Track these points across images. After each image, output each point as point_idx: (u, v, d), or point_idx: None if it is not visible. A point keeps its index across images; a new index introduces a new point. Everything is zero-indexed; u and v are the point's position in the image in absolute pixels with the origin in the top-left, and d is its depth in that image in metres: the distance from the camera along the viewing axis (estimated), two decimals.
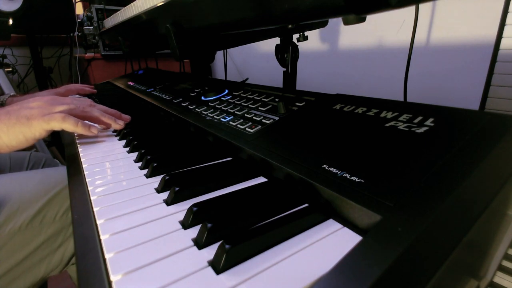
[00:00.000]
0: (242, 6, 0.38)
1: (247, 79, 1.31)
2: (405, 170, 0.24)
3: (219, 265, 0.20)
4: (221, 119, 0.47)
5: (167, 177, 0.31)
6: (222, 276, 0.19)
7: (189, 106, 0.58)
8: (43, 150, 1.35)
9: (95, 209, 0.28)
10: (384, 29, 0.94)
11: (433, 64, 0.84)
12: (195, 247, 0.22)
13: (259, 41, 0.71)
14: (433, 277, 0.17)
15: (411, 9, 0.62)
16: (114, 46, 1.41)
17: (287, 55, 0.58)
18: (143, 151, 0.40)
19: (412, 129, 0.29)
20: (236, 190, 0.30)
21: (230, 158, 0.39)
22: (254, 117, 0.44)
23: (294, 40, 0.57)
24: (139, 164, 0.39)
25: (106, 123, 0.51)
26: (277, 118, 0.41)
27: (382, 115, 0.34)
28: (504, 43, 0.52)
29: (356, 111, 0.36)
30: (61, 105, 0.46)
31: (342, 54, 1.10)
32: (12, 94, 0.80)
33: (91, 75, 1.46)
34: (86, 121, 0.47)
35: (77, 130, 0.45)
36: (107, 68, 1.47)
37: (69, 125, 0.44)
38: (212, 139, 0.46)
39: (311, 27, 0.59)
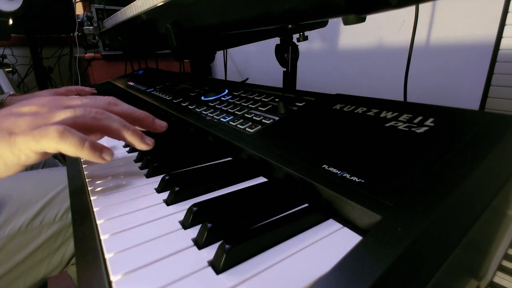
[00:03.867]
0: (242, 6, 0.38)
1: (247, 79, 1.31)
2: (405, 170, 0.24)
3: (219, 265, 0.20)
4: (221, 119, 0.47)
5: (167, 177, 0.31)
6: (222, 276, 0.19)
7: (189, 106, 0.58)
8: None
9: (95, 209, 0.28)
10: (384, 29, 0.94)
11: (433, 64, 0.84)
12: (195, 247, 0.22)
13: (259, 41, 0.72)
14: (433, 277, 0.17)
15: (411, 9, 0.62)
16: (114, 46, 1.41)
17: (287, 55, 0.58)
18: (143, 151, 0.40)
19: (412, 129, 0.29)
20: (236, 190, 0.30)
21: (230, 158, 0.39)
22: (254, 117, 0.44)
23: (294, 40, 0.57)
24: (139, 164, 0.39)
25: (128, 141, 0.33)
26: (277, 118, 0.41)
27: (382, 115, 0.34)
28: (504, 43, 0.52)
29: (356, 111, 0.36)
30: (64, 109, 0.30)
31: (342, 54, 1.10)
32: (11, 93, 0.80)
33: (91, 75, 1.46)
34: (96, 140, 0.30)
35: (81, 154, 0.28)
36: (107, 68, 1.47)
37: (69, 147, 0.27)
38: (212, 139, 0.46)
39: (311, 27, 0.59)
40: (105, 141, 0.49)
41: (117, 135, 0.32)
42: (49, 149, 0.27)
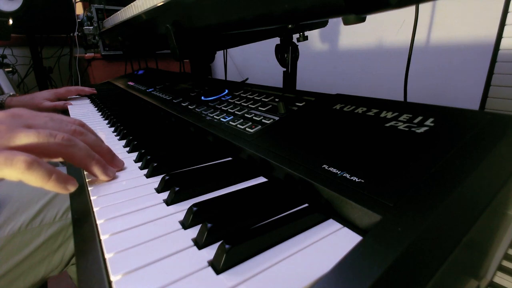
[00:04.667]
0: (242, 6, 0.38)
1: (247, 79, 1.31)
2: (405, 170, 0.24)
3: (219, 265, 0.20)
4: (221, 119, 0.47)
5: (167, 177, 0.31)
6: (222, 276, 0.19)
7: (189, 106, 0.58)
8: None
9: (95, 209, 0.28)
10: (384, 29, 0.94)
11: (433, 64, 0.85)
12: (195, 247, 0.22)
13: (259, 41, 0.72)
14: (433, 277, 0.17)
15: (411, 9, 0.62)
16: (114, 46, 1.41)
17: (287, 55, 0.58)
18: (143, 151, 0.40)
19: (412, 129, 0.29)
20: (236, 190, 0.30)
21: (230, 158, 0.39)
22: (254, 117, 0.44)
23: (294, 40, 0.57)
24: (139, 164, 0.39)
25: (90, 172, 0.32)
26: (277, 118, 0.41)
27: (382, 115, 0.34)
28: (504, 43, 0.52)
29: (356, 111, 0.36)
30: (25, 129, 0.27)
31: (342, 54, 1.10)
32: (11, 93, 0.80)
33: (91, 75, 1.46)
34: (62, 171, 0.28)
35: (45, 186, 0.26)
36: (107, 68, 1.47)
37: (34, 179, 0.25)
38: (212, 139, 0.46)
39: (311, 27, 0.59)
40: (104, 136, 0.49)
41: (80, 164, 0.31)
42: (10, 177, 0.25)
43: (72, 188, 0.28)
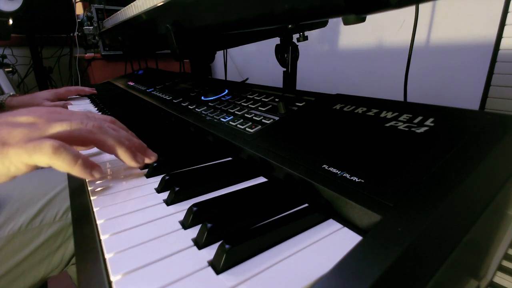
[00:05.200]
0: (242, 6, 0.38)
1: (247, 79, 1.31)
2: (405, 170, 0.24)
3: (219, 265, 0.20)
4: (221, 119, 0.47)
5: (167, 177, 0.31)
6: (222, 276, 0.19)
7: (189, 106, 0.58)
8: None
9: (95, 209, 0.28)
10: (384, 29, 0.94)
11: (433, 64, 0.85)
12: (195, 247, 0.22)
13: (259, 41, 0.72)
14: (433, 277, 0.17)
15: (411, 9, 0.62)
16: (114, 46, 1.41)
17: (287, 55, 0.58)
18: None
19: (412, 129, 0.29)
20: (236, 190, 0.30)
21: (230, 158, 0.39)
22: (254, 117, 0.44)
23: (294, 40, 0.57)
24: None
25: (120, 158, 0.33)
26: (277, 118, 0.41)
27: (382, 115, 0.34)
28: (504, 43, 0.52)
29: (356, 111, 0.36)
30: (60, 123, 0.30)
31: (342, 54, 1.10)
32: (12, 94, 0.80)
33: (91, 75, 1.46)
34: (89, 158, 0.30)
35: (72, 171, 0.28)
36: (107, 68, 1.47)
37: (61, 163, 0.27)
38: (212, 139, 0.46)
39: (311, 27, 0.59)
40: None
41: (110, 151, 0.32)
42: (41, 163, 0.27)
43: (97, 175, 0.29)
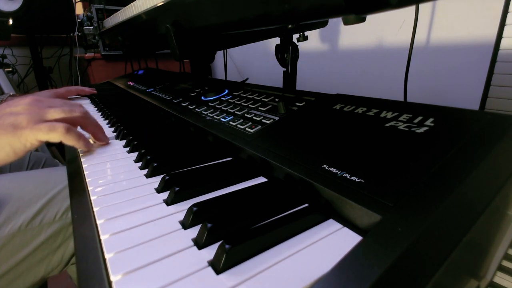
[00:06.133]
0: (242, 6, 0.38)
1: (247, 79, 1.31)
2: (405, 170, 0.24)
3: (219, 265, 0.20)
4: (221, 119, 0.47)
5: (167, 177, 0.31)
6: (222, 276, 0.19)
7: (189, 106, 0.58)
8: (43, 150, 1.35)
9: (95, 209, 0.28)
10: (384, 29, 0.94)
11: (433, 64, 0.85)
12: (195, 247, 0.22)
13: (259, 41, 0.72)
14: (433, 277, 0.17)
15: (411, 9, 0.62)
16: (114, 46, 1.41)
17: (287, 55, 0.58)
18: (143, 151, 0.40)
19: (412, 129, 0.29)
20: (236, 190, 0.30)
21: (230, 158, 0.39)
22: (254, 117, 0.44)
23: (294, 40, 0.57)
24: (139, 164, 0.39)
25: (96, 136, 0.46)
26: (277, 118, 0.41)
27: (382, 115, 0.34)
28: (504, 43, 0.52)
29: (356, 111, 0.36)
30: (52, 108, 0.39)
31: (342, 54, 1.10)
32: (11, 93, 0.80)
33: (91, 75, 1.46)
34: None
35: (77, 145, 0.39)
36: (107, 68, 1.47)
37: (70, 140, 0.38)
38: (212, 139, 0.46)
39: (311, 27, 0.59)
40: (102, 148, 0.49)
41: (90, 131, 0.45)
42: (54, 140, 0.37)
43: (92, 147, 0.44)
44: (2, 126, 0.35)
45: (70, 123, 0.39)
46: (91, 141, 0.47)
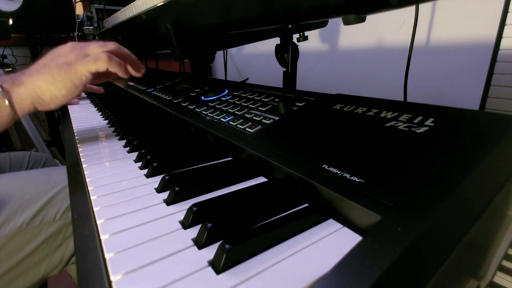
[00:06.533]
0: (242, 6, 0.38)
1: (247, 79, 1.31)
2: (405, 170, 0.24)
3: (219, 265, 0.20)
4: (221, 119, 0.47)
5: (167, 177, 0.31)
6: (222, 276, 0.19)
7: (189, 106, 0.58)
8: (43, 150, 1.35)
9: (95, 209, 0.28)
10: (384, 29, 0.94)
11: (433, 64, 0.84)
12: (195, 247, 0.22)
13: (259, 41, 0.71)
14: (433, 277, 0.17)
15: (411, 9, 0.62)
16: None
17: (287, 55, 0.58)
18: (143, 151, 0.40)
19: (412, 129, 0.29)
20: (236, 190, 0.30)
21: (230, 158, 0.39)
22: (254, 117, 0.44)
23: (294, 40, 0.57)
24: (139, 164, 0.39)
25: (128, 70, 0.48)
26: (277, 118, 0.41)
27: (382, 115, 0.34)
28: (504, 43, 0.52)
29: (356, 111, 0.36)
30: (93, 47, 0.44)
31: (342, 54, 1.10)
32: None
33: None
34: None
35: (120, 71, 0.44)
36: None
37: (114, 67, 0.43)
38: (212, 139, 0.46)
39: (311, 27, 0.59)
40: (102, 148, 0.49)
41: (124, 60, 0.46)
42: (101, 69, 0.42)
43: (142, 71, 0.50)
44: (58, 65, 0.40)
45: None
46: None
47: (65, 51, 0.44)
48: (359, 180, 0.25)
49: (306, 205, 0.26)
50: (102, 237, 0.24)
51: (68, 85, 0.40)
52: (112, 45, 0.46)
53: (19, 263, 0.44)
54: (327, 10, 0.28)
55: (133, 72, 0.48)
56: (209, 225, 0.23)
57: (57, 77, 0.40)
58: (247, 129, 0.41)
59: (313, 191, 0.27)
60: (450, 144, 0.26)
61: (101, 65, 0.41)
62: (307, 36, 0.55)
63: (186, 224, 0.25)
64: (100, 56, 0.41)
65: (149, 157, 0.38)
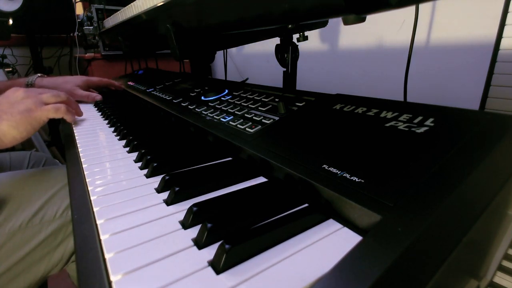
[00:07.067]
0: (242, 6, 0.38)
1: (247, 79, 1.31)
2: (405, 170, 0.24)
3: (219, 265, 0.20)
4: (221, 119, 0.47)
5: (167, 177, 0.31)
6: (222, 276, 0.19)
7: (189, 106, 0.58)
8: (43, 150, 1.35)
9: (95, 209, 0.28)
10: (384, 29, 0.94)
11: (433, 64, 0.84)
12: (195, 247, 0.22)
13: (259, 41, 0.71)
14: (433, 277, 0.17)
15: (411, 9, 0.62)
16: (114, 46, 1.40)
17: (287, 55, 0.58)
18: (143, 151, 0.40)
19: (412, 129, 0.29)
20: (236, 190, 0.30)
21: (230, 158, 0.39)
22: (254, 117, 0.44)
23: (294, 40, 0.57)
24: (139, 164, 0.39)
25: (78, 112, 0.64)
26: (277, 118, 0.41)
27: (382, 115, 0.34)
28: (504, 43, 0.52)
29: (356, 111, 0.36)
30: (47, 95, 0.52)
31: (342, 54, 1.10)
32: (40, 74, 0.79)
33: (91, 75, 1.46)
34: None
35: (71, 120, 0.57)
36: (107, 68, 1.47)
37: (68, 117, 0.55)
38: (212, 139, 0.46)
39: (311, 27, 0.59)
40: (102, 148, 0.49)
41: (73, 110, 0.58)
42: (58, 117, 0.52)
43: (80, 116, 0.65)
44: (20, 112, 0.46)
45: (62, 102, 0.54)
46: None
47: (20, 97, 0.49)
48: (359, 180, 0.25)
49: (306, 205, 0.26)
50: (102, 237, 0.24)
51: (28, 129, 0.47)
52: (63, 96, 0.55)
53: (20, 261, 0.44)
54: (327, 10, 0.28)
55: (77, 117, 0.63)
56: (209, 225, 0.23)
57: (20, 122, 0.46)
58: (247, 129, 0.41)
59: (313, 191, 0.27)
60: (450, 144, 0.26)
61: (59, 115, 0.52)
62: (307, 36, 0.55)
63: (186, 224, 0.25)
64: (59, 107, 0.51)
65: (149, 157, 0.37)
